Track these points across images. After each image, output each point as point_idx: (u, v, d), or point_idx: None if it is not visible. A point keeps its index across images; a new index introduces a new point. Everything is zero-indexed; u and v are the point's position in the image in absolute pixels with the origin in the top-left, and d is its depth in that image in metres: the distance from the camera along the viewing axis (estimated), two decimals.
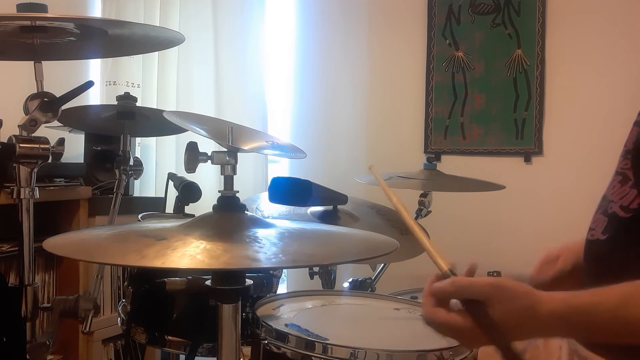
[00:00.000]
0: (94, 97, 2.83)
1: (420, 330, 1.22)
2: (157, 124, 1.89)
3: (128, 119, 1.77)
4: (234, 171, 1.03)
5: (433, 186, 2.09)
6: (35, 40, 1.31)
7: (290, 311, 1.31)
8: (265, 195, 1.73)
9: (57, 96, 1.29)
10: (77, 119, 1.91)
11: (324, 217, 1.78)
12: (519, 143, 2.53)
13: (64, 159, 1.38)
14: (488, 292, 0.86)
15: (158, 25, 2.80)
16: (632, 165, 1.00)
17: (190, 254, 0.84)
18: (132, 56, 2.85)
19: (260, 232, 0.95)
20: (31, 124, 1.27)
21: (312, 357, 1.09)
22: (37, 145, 1.28)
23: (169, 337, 1.45)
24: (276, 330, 1.14)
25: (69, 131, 2.43)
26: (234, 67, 2.89)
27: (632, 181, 0.99)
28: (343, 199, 1.78)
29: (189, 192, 1.97)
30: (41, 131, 1.30)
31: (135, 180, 2.59)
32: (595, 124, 2.36)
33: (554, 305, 0.85)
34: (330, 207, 1.79)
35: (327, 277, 1.83)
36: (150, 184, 2.95)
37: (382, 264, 2.03)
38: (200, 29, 2.91)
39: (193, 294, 1.30)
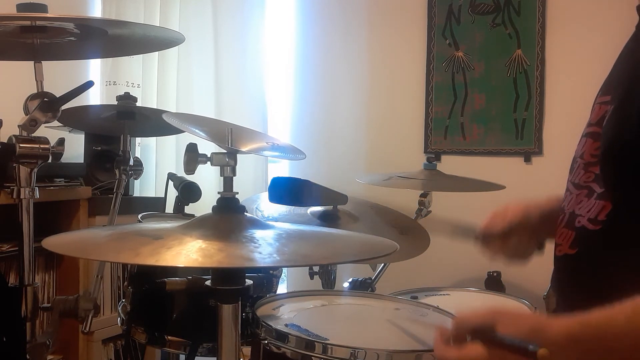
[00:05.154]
0: (94, 97, 2.83)
1: (420, 330, 1.22)
2: (157, 124, 1.89)
3: (128, 119, 1.77)
4: (234, 172, 1.03)
5: (433, 186, 2.09)
6: (35, 40, 1.31)
7: (290, 311, 1.31)
8: (265, 195, 1.73)
9: (57, 96, 1.29)
10: (77, 119, 1.91)
11: (324, 217, 1.78)
12: (519, 143, 2.53)
13: (64, 159, 1.38)
14: (492, 317, 0.86)
15: (158, 25, 2.80)
16: (598, 177, 0.98)
17: (185, 253, 0.84)
18: (132, 56, 2.85)
19: (258, 233, 0.95)
20: (31, 124, 1.27)
21: (312, 357, 1.09)
22: (37, 145, 1.28)
23: (169, 337, 1.45)
24: (276, 330, 1.14)
25: (69, 131, 2.44)
26: (234, 67, 2.89)
27: (598, 193, 0.97)
28: (343, 199, 1.77)
29: (188, 192, 1.98)
30: (41, 131, 1.30)
31: (135, 180, 2.59)
32: None
33: (565, 324, 0.83)
34: (330, 207, 1.79)
35: (327, 277, 1.83)
36: (150, 184, 2.95)
37: (382, 264, 2.03)
38: (200, 29, 2.91)
39: (193, 294, 1.30)
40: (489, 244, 1.21)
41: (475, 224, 1.25)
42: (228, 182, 1.02)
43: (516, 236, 1.18)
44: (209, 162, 1.03)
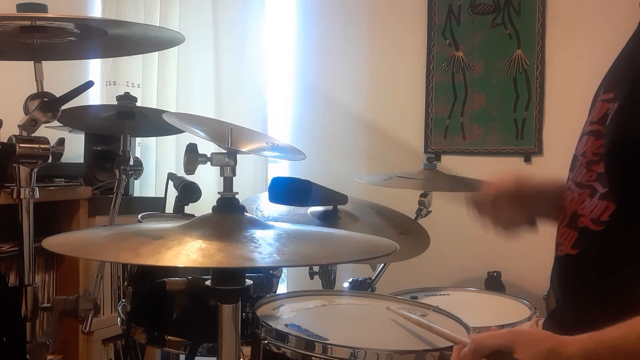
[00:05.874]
0: (94, 97, 2.83)
1: (419, 331, 1.22)
2: (157, 124, 1.89)
3: (128, 119, 1.77)
4: (234, 172, 1.03)
5: (433, 186, 2.09)
6: (35, 40, 1.31)
7: (290, 311, 1.31)
8: (265, 195, 1.73)
9: (57, 96, 1.29)
10: (77, 119, 1.91)
11: (324, 217, 1.78)
12: (519, 143, 2.53)
13: (64, 159, 1.38)
14: (509, 340, 0.87)
15: (158, 25, 2.80)
16: (601, 176, 0.98)
17: (185, 253, 0.84)
18: (132, 56, 2.85)
19: (258, 233, 0.95)
20: (31, 124, 1.27)
21: (312, 357, 1.09)
22: (37, 145, 1.28)
23: (169, 337, 1.45)
24: (276, 330, 1.14)
25: (69, 131, 2.44)
26: (234, 67, 2.89)
27: (600, 192, 0.97)
28: (343, 199, 1.78)
29: (188, 192, 1.97)
30: (41, 131, 1.30)
31: (135, 180, 2.59)
32: None
33: (580, 344, 0.84)
34: (330, 207, 1.79)
35: (327, 277, 1.83)
36: (150, 184, 2.95)
37: (382, 264, 2.03)
38: (200, 29, 2.91)
39: (193, 294, 1.30)
40: (480, 207, 1.20)
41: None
42: (228, 182, 1.02)
43: (507, 203, 1.17)
44: (209, 162, 1.02)
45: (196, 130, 1.20)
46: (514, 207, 1.18)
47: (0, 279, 1.46)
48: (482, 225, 1.23)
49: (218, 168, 1.03)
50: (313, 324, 1.19)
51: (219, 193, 1.02)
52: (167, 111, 1.63)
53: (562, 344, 0.85)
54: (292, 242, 0.98)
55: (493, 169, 2.53)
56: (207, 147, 1.06)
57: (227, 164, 1.02)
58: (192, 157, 1.01)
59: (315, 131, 2.86)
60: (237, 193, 1.02)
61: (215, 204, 1.02)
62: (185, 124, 1.27)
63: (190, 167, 1.01)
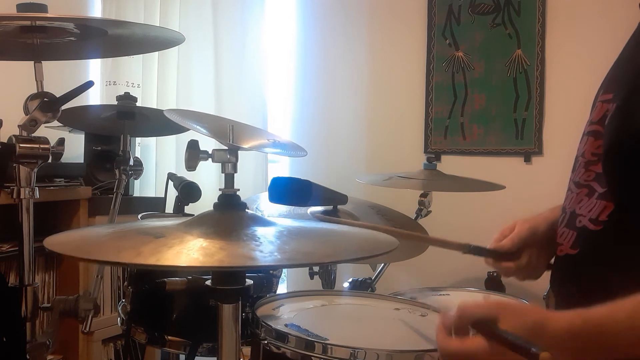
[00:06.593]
0: (94, 97, 2.84)
1: (420, 330, 1.22)
2: (157, 124, 1.89)
3: (128, 119, 1.77)
4: (235, 169, 1.02)
5: (433, 186, 2.09)
6: (35, 40, 1.31)
7: (290, 311, 1.31)
8: (265, 195, 1.73)
9: (57, 96, 1.29)
10: (77, 119, 1.91)
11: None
12: (519, 143, 2.53)
13: (64, 159, 1.38)
14: (496, 310, 0.86)
15: (158, 25, 2.80)
16: (599, 176, 0.98)
17: (187, 252, 0.84)
18: (132, 56, 2.85)
19: (260, 231, 0.94)
20: (31, 124, 1.27)
21: (312, 357, 1.09)
22: (37, 145, 1.28)
23: (169, 337, 1.45)
24: (276, 330, 1.14)
25: (69, 131, 2.44)
26: (234, 66, 2.89)
27: (599, 192, 0.97)
28: (343, 199, 1.77)
29: (188, 192, 1.97)
30: (41, 131, 1.30)
31: (135, 180, 2.59)
32: None
33: (567, 319, 0.83)
34: (330, 207, 1.79)
35: (327, 277, 1.83)
36: (150, 184, 2.95)
37: (382, 264, 2.03)
38: (200, 29, 2.91)
39: (193, 294, 1.30)
40: (500, 263, 1.20)
41: (484, 243, 1.23)
42: (229, 179, 1.02)
43: (526, 252, 1.17)
44: (209, 160, 1.02)
45: (197, 127, 1.20)
46: (532, 252, 1.17)
47: (0, 279, 1.46)
48: (504, 275, 1.23)
49: (218, 167, 1.02)
50: (313, 324, 1.19)
51: (220, 190, 1.02)
52: (168, 109, 1.63)
53: (548, 318, 0.84)
54: (294, 240, 0.97)
55: (493, 169, 2.53)
56: (208, 144, 1.05)
57: (228, 160, 1.01)
58: (194, 153, 1.00)
59: (315, 131, 2.86)
60: (239, 190, 1.02)
61: (216, 201, 1.02)
62: (186, 121, 1.27)
63: (191, 164, 1.01)
